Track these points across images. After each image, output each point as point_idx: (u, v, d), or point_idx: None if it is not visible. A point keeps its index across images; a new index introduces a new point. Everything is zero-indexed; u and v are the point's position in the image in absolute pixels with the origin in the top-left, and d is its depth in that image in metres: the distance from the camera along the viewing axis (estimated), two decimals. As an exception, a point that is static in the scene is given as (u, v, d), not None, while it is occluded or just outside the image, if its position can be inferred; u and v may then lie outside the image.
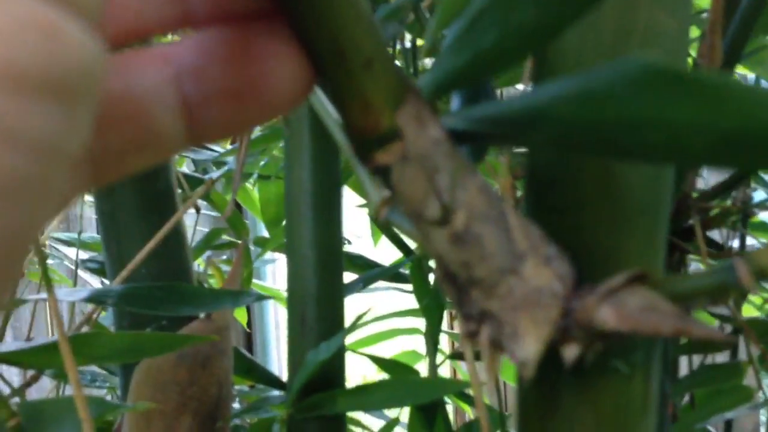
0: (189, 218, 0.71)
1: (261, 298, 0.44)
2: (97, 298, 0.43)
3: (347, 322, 0.51)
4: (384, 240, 0.71)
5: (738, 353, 0.63)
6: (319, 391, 0.48)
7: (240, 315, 0.90)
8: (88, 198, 0.74)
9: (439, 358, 0.60)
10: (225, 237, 0.78)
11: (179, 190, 0.63)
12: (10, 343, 0.42)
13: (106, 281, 0.65)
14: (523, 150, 0.26)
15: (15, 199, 0.12)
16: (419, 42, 0.57)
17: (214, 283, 0.78)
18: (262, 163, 0.75)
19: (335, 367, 0.50)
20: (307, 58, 0.18)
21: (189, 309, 0.44)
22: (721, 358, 0.63)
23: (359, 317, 0.50)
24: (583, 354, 0.22)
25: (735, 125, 0.15)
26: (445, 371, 1.10)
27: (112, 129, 0.17)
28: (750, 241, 0.61)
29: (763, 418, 1.10)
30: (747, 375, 0.54)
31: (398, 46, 0.56)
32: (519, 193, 0.41)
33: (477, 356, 0.24)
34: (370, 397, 0.45)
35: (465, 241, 0.21)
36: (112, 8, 0.17)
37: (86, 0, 0.13)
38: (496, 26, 0.18)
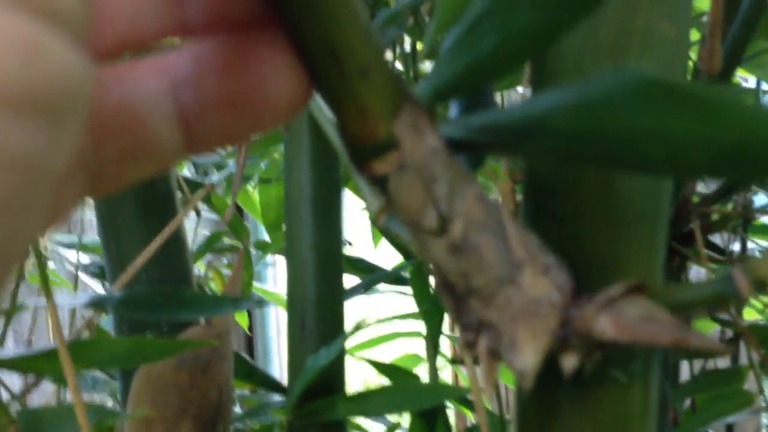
0: (190, 221, 0.71)
1: (261, 303, 0.44)
2: (96, 304, 0.43)
3: (347, 326, 0.51)
4: (385, 241, 0.71)
5: (739, 358, 0.63)
6: (320, 395, 0.48)
7: (241, 318, 0.90)
8: (89, 201, 0.74)
9: (440, 361, 0.60)
10: (226, 240, 0.78)
11: (179, 194, 0.63)
12: (9, 349, 0.42)
13: (107, 285, 0.65)
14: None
15: None
16: (419, 45, 0.57)
17: (215, 286, 0.78)
18: (262, 165, 0.75)
19: (335, 371, 0.50)
20: (304, 67, 0.18)
21: (189, 314, 0.44)
22: (722, 362, 0.63)
23: (359, 323, 0.50)
24: (582, 363, 0.21)
25: (733, 139, 0.15)
26: (446, 374, 1.10)
27: (109, 140, 0.17)
28: (751, 244, 0.61)
29: (765, 421, 1.10)
30: (748, 379, 0.54)
31: (398, 50, 0.56)
32: (518, 197, 0.41)
33: (477, 361, 0.24)
34: (370, 402, 0.45)
35: (463, 250, 0.20)
36: (107, 17, 0.17)
37: (70, 14, 0.13)
38: (495, 32, 0.18)
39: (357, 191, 0.71)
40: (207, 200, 0.71)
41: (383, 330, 0.81)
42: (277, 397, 0.60)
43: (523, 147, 0.19)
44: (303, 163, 0.50)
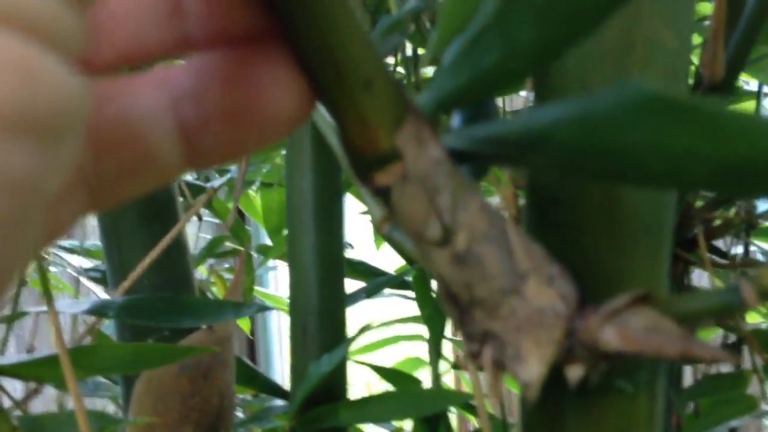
0: (191, 226, 0.71)
1: (263, 309, 0.44)
2: (98, 311, 0.43)
3: (350, 330, 0.51)
4: (386, 243, 0.71)
5: (742, 362, 0.63)
6: (322, 401, 0.47)
7: (243, 322, 0.90)
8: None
9: (443, 365, 0.60)
10: (228, 244, 0.78)
11: (181, 198, 0.63)
12: (10, 356, 0.42)
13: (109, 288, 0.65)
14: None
15: None
16: (420, 50, 0.57)
17: (217, 290, 0.78)
18: (264, 170, 0.75)
19: (338, 377, 0.50)
20: (306, 80, 0.18)
21: (191, 320, 0.44)
22: (726, 367, 0.63)
23: (361, 329, 0.50)
24: (587, 374, 0.21)
25: (735, 154, 0.15)
26: (448, 378, 1.10)
27: (109, 154, 0.17)
28: (752, 246, 0.61)
29: (767, 423, 1.09)
30: (751, 384, 0.54)
31: (399, 55, 0.56)
32: (521, 201, 0.40)
33: (481, 368, 0.23)
34: (373, 409, 0.45)
35: (466, 261, 0.20)
36: (108, 31, 0.17)
37: (65, 34, 0.13)
38: (498, 46, 0.18)
39: (358, 195, 0.71)
40: (209, 204, 0.71)
41: (385, 333, 0.81)
42: (279, 402, 0.60)
43: (525, 159, 0.19)
44: (304, 168, 0.49)
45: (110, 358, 0.40)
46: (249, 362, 0.59)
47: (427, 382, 0.60)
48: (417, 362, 0.85)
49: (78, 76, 0.13)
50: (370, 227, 0.81)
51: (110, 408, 0.83)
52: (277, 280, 1.38)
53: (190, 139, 0.17)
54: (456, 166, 0.20)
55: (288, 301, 0.51)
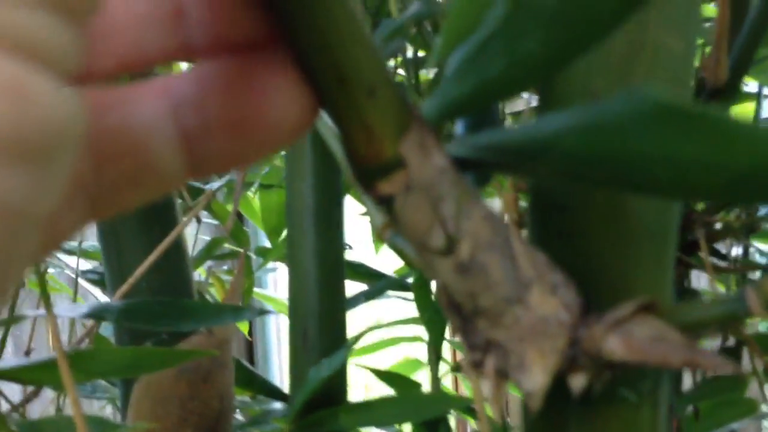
0: (190, 227, 0.71)
1: (263, 313, 0.44)
2: (96, 314, 0.42)
3: (349, 333, 0.51)
4: (385, 244, 0.70)
5: (741, 365, 0.63)
6: (322, 405, 0.47)
7: (241, 324, 0.90)
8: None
9: (442, 367, 0.59)
10: (226, 246, 0.77)
11: (180, 200, 0.63)
12: (9, 355, 0.42)
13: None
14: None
15: None
16: (420, 52, 0.57)
17: (216, 292, 0.77)
18: (263, 172, 0.75)
19: (338, 380, 0.50)
20: (309, 88, 0.18)
21: (190, 324, 0.43)
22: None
23: (361, 333, 0.50)
24: (591, 383, 0.21)
25: (743, 164, 0.14)
26: (447, 380, 1.10)
27: (109, 163, 0.17)
28: (752, 247, 0.61)
29: (766, 424, 1.10)
30: (750, 386, 0.54)
31: (400, 57, 0.56)
32: (522, 203, 0.40)
33: (482, 375, 0.23)
34: (373, 413, 0.45)
35: (470, 270, 0.20)
36: (109, 40, 0.17)
37: (59, 52, 0.12)
38: (503, 55, 0.18)
39: (358, 197, 0.71)
40: (207, 206, 0.70)
41: (385, 335, 0.81)
42: (277, 405, 0.60)
43: (530, 167, 0.19)
44: (304, 172, 0.49)
45: (109, 362, 0.40)
46: (247, 364, 0.59)
47: (425, 385, 0.60)
48: (415, 364, 0.85)
49: (72, 94, 0.12)
50: (369, 229, 0.81)
51: (108, 410, 0.83)
52: (276, 282, 1.38)
53: (191, 148, 0.17)
54: (460, 174, 0.20)
55: (287, 303, 0.50)
